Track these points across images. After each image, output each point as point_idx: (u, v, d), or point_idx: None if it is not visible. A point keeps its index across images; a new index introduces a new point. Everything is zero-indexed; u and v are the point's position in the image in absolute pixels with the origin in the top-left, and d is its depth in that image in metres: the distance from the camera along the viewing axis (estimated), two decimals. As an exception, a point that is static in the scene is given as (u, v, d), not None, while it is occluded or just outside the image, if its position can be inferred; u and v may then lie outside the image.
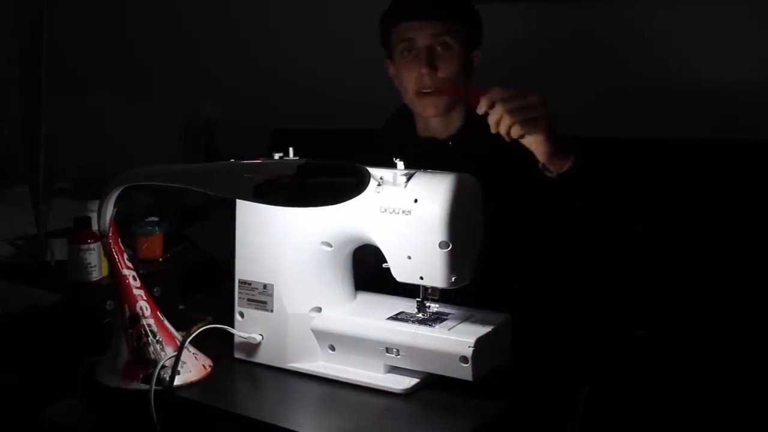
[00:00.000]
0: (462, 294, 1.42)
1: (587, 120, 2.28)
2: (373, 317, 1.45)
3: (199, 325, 1.49)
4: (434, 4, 1.82)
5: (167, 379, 1.39)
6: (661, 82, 2.32)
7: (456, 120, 1.87)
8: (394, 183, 1.38)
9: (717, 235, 2.05)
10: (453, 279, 1.37)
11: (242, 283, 1.51)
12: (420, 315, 1.44)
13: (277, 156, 1.42)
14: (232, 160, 1.38)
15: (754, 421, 1.78)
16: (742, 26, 2.21)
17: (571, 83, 2.38)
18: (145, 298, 1.46)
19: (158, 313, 1.47)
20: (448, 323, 1.41)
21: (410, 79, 1.81)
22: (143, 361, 1.42)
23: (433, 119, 1.86)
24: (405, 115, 1.91)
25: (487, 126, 1.80)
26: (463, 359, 1.33)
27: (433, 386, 1.39)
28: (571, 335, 1.62)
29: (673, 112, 2.29)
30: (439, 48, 1.79)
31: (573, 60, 2.41)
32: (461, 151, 1.81)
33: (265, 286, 1.48)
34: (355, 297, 1.55)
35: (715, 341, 1.92)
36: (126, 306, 1.44)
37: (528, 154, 1.62)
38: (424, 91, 1.80)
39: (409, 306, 1.47)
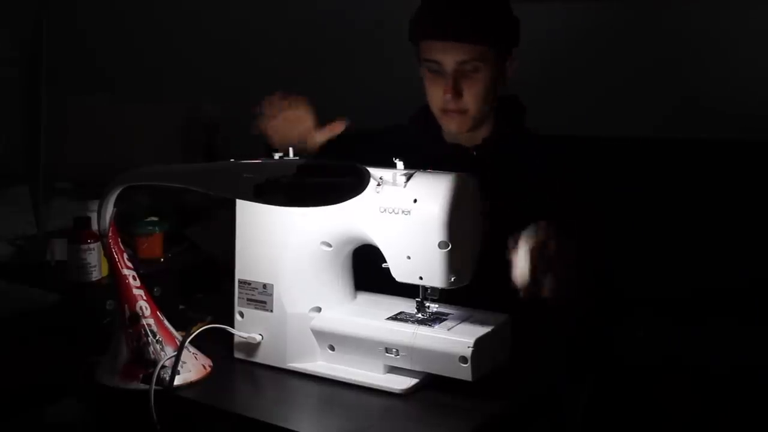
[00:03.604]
0: (461, 294, 1.42)
1: (599, 119, 2.29)
2: (373, 317, 1.45)
3: (199, 324, 1.49)
4: (463, 25, 1.69)
5: (167, 378, 1.39)
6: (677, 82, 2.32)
7: (484, 130, 1.82)
8: (394, 183, 1.38)
9: (718, 235, 2.06)
10: (452, 279, 1.37)
11: (242, 283, 1.51)
12: (419, 315, 1.44)
13: (276, 156, 1.43)
14: (232, 160, 1.38)
15: (754, 420, 1.78)
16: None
17: (581, 82, 2.39)
18: (144, 298, 1.46)
19: (158, 313, 1.47)
20: (448, 323, 1.41)
21: (435, 97, 1.76)
22: (143, 361, 1.42)
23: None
24: (432, 115, 1.82)
25: (514, 139, 1.80)
26: (463, 359, 1.33)
27: (432, 386, 1.39)
28: (571, 336, 1.62)
29: (690, 113, 2.29)
30: (467, 70, 1.71)
31: (584, 59, 2.41)
32: (485, 162, 1.77)
33: (264, 286, 1.48)
34: (354, 297, 1.54)
35: (715, 341, 1.92)
36: (126, 306, 1.44)
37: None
38: (449, 110, 1.75)
39: (408, 306, 1.47)
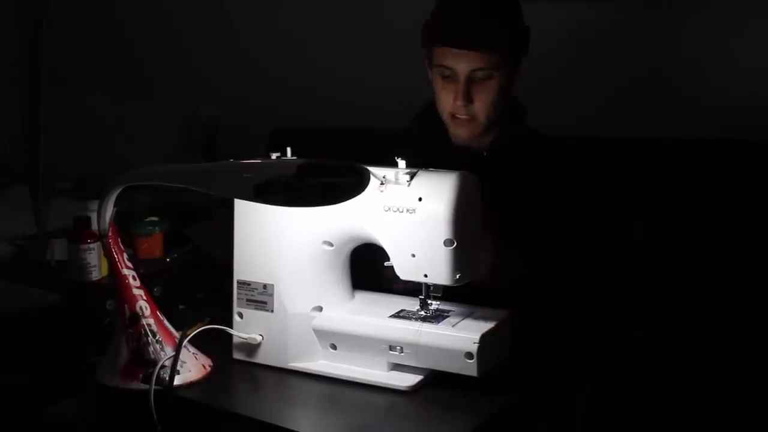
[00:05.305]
0: (460, 291, 1.42)
1: (599, 119, 2.29)
2: (375, 315, 1.45)
3: (198, 325, 1.48)
4: (479, 33, 1.69)
5: (167, 378, 1.38)
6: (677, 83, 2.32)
7: (491, 133, 1.82)
8: (397, 182, 1.38)
9: (718, 236, 2.06)
10: (457, 276, 1.37)
11: (241, 283, 1.50)
12: (422, 312, 1.44)
13: (274, 156, 1.42)
14: (232, 160, 1.38)
15: (753, 421, 1.78)
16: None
17: (586, 83, 2.39)
18: (144, 297, 1.46)
19: (158, 312, 1.46)
20: (451, 320, 1.42)
21: (445, 102, 1.76)
22: (143, 361, 1.42)
23: None
24: (436, 117, 1.82)
25: (521, 140, 1.79)
26: (469, 355, 1.33)
27: (433, 383, 1.39)
28: (572, 336, 1.62)
29: (689, 114, 2.29)
30: (479, 77, 1.71)
31: (584, 60, 2.41)
32: (496, 164, 1.77)
33: (265, 286, 1.48)
34: (353, 296, 1.54)
35: (714, 342, 1.92)
36: (126, 306, 1.44)
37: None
38: (459, 117, 1.76)
39: (408, 304, 1.48)
